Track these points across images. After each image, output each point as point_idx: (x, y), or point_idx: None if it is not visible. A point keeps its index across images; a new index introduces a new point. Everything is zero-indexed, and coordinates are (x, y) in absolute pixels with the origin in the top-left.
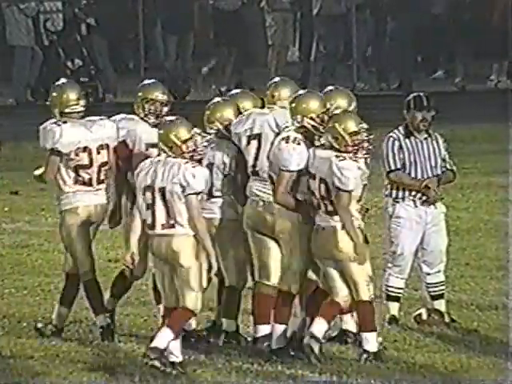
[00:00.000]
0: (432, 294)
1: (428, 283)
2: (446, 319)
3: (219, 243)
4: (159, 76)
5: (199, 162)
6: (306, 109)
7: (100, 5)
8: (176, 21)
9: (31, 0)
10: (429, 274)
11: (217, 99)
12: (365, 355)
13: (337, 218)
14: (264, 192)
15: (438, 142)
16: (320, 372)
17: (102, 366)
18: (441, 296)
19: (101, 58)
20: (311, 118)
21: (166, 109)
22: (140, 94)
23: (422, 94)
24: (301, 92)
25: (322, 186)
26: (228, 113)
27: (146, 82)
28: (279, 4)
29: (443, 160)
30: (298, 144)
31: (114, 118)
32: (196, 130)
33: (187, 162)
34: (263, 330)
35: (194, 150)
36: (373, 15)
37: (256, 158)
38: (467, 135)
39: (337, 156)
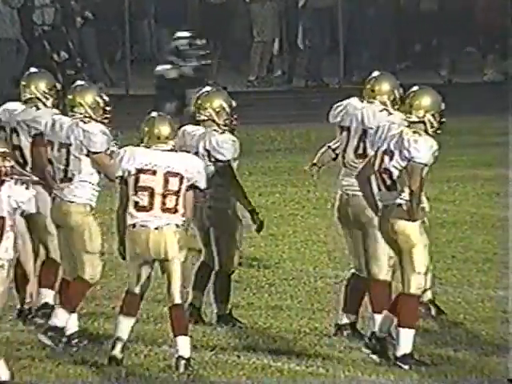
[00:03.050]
0: None
1: None
2: (433, 312)
3: (214, 228)
4: (146, 68)
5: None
6: (430, 105)
7: None
8: (168, 14)
9: None
10: None
11: (208, 88)
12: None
13: (173, 216)
14: (348, 185)
15: None
16: (306, 365)
17: (89, 361)
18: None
19: (90, 51)
20: (433, 115)
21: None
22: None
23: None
24: (422, 87)
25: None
26: (220, 101)
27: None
28: None
29: None
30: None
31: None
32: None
33: None
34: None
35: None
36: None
37: (344, 151)
38: (453, 128)
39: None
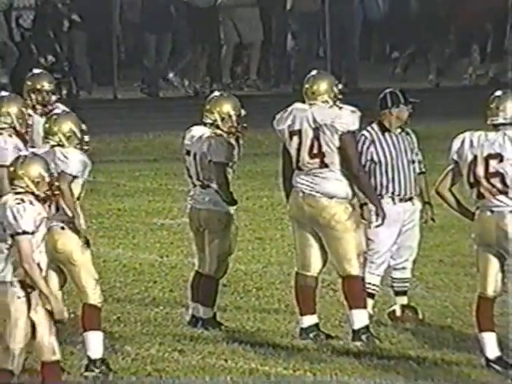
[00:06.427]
0: (396, 289)
1: (393, 278)
2: (420, 316)
3: (208, 231)
4: (135, 73)
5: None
6: None
7: (82, 2)
8: (155, 20)
9: None
10: (395, 269)
11: (217, 93)
12: None
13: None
14: (304, 184)
15: (411, 137)
16: (293, 369)
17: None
18: (404, 293)
19: (78, 55)
20: None
21: (53, 98)
22: (28, 83)
23: (394, 90)
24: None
25: None
26: (227, 107)
27: (35, 71)
28: None
29: (418, 161)
30: None
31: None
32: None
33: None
34: (308, 320)
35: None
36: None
37: (298, 154)
38: (441, 132)
39: None
